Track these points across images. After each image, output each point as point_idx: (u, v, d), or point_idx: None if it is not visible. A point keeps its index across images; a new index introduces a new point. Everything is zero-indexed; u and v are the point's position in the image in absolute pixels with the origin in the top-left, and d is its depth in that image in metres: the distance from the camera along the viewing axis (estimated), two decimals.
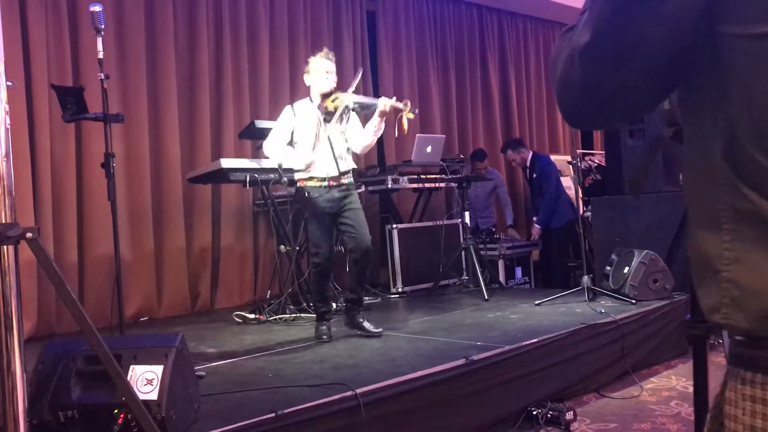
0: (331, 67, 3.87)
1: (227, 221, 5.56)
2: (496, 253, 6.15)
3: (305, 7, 6.15)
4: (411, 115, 3.75)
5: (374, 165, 6.30)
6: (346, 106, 3.84)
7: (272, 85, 5.82)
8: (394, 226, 5.71)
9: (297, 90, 5.51)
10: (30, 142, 4.51)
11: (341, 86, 3.93)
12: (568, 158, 7.52)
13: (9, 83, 1.79)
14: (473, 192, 6.58)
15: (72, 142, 4.77)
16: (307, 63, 3.96)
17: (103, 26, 3.21)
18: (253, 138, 5.10)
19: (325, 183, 3.80)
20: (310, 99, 3.93)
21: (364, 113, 3.91)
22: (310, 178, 3.81)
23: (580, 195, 5.63)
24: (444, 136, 6.32)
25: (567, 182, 7.57)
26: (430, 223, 6.01)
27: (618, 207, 5.29)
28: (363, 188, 5.66)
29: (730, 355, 0.77)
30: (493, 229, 6.69)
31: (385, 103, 3.75)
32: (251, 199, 5.63)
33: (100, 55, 3.23)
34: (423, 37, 7.14)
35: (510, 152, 6.71)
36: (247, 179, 4.60)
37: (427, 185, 6.00)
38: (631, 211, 5.18)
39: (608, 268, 4.83)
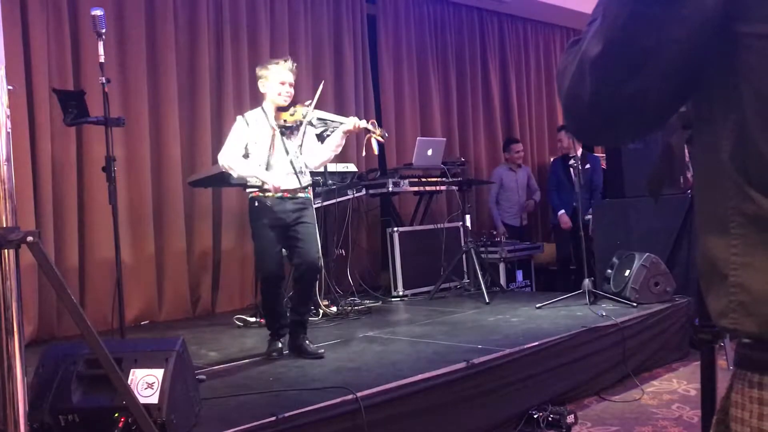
0: (291, 79, 3.62)
1: (228, 225, 5.56)
2: (497, 256, 6.15)
3: (306, 12, 6.16)
4: (381, 138, 3.59)
5: (375, 168, 6.30)
6: (308, 121, 3.62)
7: None
8: (395, 229, 5.71)
9: (297, 93, 5.50)
10: (31, 145, 4.51)
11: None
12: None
13: (10, 87, 1.79)
14: (509, 194, 6.73)
15: (73, 145, 4.77)
16: (264, 67, 3.66)
17: (104, 30, 3.21)
18: None
19: (279, 194, 3.52)
20: (262, 109, 3.65)
21: (321, 130, 3.70)
22: (266, 190, 3.53)
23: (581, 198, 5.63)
24: (444, 139, 6.31)
25: None
26: (431, 226, 6.01)
27: (619, 210, 5.29)
28: (363, 191, 5.67)
29: (737, 357, 0.77)
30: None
31: (355, 123, 3.58)
32: None
33: (101, 59, 3.23)
34: (423, 41, 7.14)
35: (565, 133, 6.62)
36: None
37: (428, 188, 6.00)
38: (632, 214, 5.18)
39: (609, 271, 4.83)
